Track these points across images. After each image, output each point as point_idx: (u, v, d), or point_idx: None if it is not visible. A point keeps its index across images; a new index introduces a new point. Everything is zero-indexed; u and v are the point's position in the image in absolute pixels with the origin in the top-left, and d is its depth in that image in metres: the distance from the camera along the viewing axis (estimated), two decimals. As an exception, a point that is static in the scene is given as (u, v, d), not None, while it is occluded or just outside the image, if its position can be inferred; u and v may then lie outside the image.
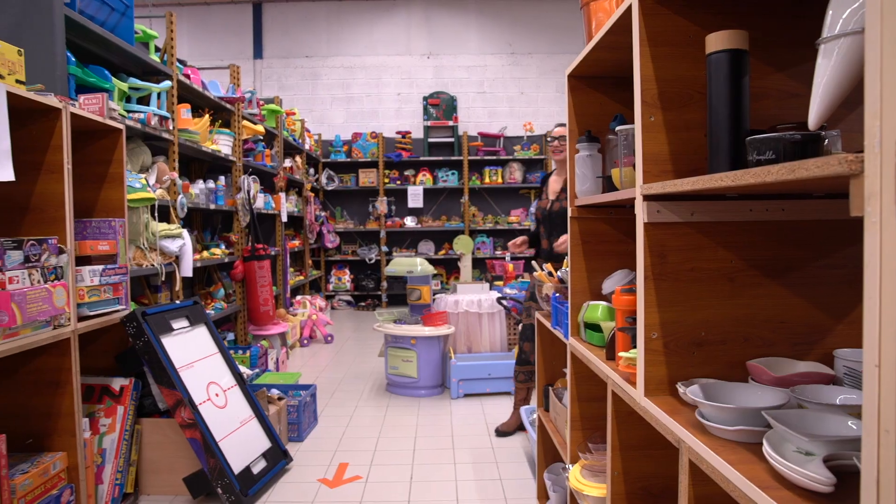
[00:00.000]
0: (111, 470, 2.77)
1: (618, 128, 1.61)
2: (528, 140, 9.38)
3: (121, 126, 2.89)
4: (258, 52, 10.03)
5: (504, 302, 4.84)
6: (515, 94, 9.80)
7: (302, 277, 7.75)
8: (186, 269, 3.94)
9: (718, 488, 1.01)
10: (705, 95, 1.18)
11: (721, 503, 1.09)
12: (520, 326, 4.73)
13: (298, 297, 7.17)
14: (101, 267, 2.63)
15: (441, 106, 9.42)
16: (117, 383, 2.86)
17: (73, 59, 3.06)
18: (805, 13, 1.31)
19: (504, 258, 8.67)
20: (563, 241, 3.17)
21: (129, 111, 3.51)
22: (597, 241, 1.97)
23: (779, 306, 1.33)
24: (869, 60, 0.64)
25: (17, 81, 2.20)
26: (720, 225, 1.30)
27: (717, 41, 1.08)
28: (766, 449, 0.90)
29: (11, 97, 2.09)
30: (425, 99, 9.46)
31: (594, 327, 1.82)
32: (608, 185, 1.79)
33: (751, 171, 0.85)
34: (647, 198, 1.30)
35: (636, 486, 1.53)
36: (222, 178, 5.17)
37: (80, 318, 2.54)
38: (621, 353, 1.47)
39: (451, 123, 9.36)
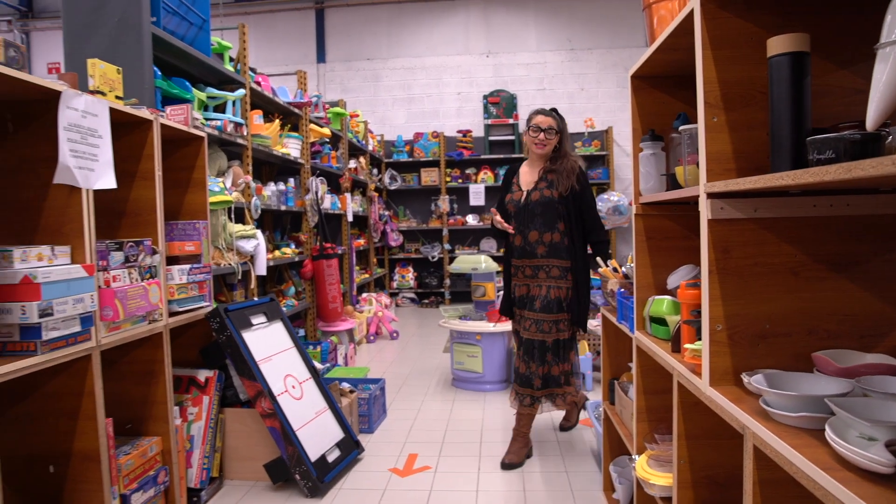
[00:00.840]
0: (199, 455, 2.96)
1: (681, 127, 1.66)
2: (589, 136, 9.33)
3: (203, 134, 3.08)
4: (321, 56, 10.30)
5: (567, 298, 4.87)
6: (575, 89, 9.75)
7: (367, 275, 7.95)
8: (261, 268, 4.13)
9: (781, 473, 1.06)
10: (767, 95, 1.22)
11: (784, 489, 1.13)
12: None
13: (364, 295, 7.36)
14: (188, 266, 2.82)
15: (501, 104, 9.47)
16: (202, 375, 3.05)
17: (159, 73, 3.27)
18: (867, 11, 1.33)
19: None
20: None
21: (207, 119, 3.72)
22: (661, 238, 2.01)
23: (844, 300, 1.35)
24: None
25: (117, 97, 2.40)
26: (783, 220, 1.34)
27: (778, 44, 1.13)
28: (829, 434, 0.95)
29: (111, 111, 2.28)
30: (485, 97, 9.53)
31: (659, 321, 1.87)
32: (672, 183, 1.84)
33: (809, 170, 0.90)
34: (710, 195, 1.35)
35: (701, 475, 1.58)
36: (291, 180, 5.38)
37: (171, 314, 2.73)
38: (686, 345, 1.52)
39: (511, 121, 9.40)
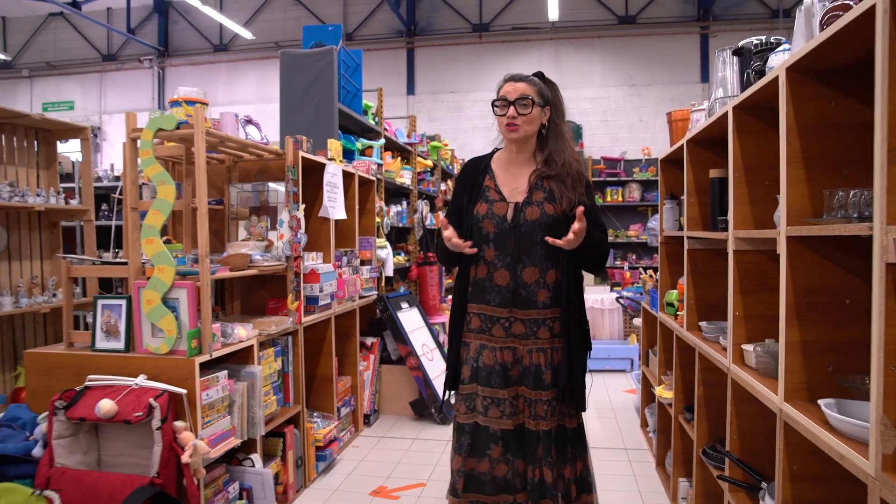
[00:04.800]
0: (369, 393, 4.45)
1: (682, 197, 3.02)
2: (646, 163, 10.55)
3: (374, 178, 4.58)
4: (411, 89, 11.89)
5: (621, 301, 6.20)
6: (635, 121, 11.02)
7: (451, 280, 9.42)
8: (389, 270, 5.59)
9: (711, 365, 2.41)
10: (715, 190, 2.58)
11: (712, 374, 2.48)
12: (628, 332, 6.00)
13: (450, 296, 8.82)
14: (368, 266, 4.33)
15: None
16: (369, 340, 4.55)
17: (341, 134, 4.80)
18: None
19: (622, 267, 9.93)
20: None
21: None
22: (675, 256, 3.37)
23: (756, 290, 2.69)
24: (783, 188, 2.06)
25: (340, 160, 3.92)
26: (722, 249, 2.68)
27: (714, 173, 2.49)
28: (720, 337, 2.31)
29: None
30: (554, 127, 10.87)
31: (671, 305, 3.23)
32: (680, 226, 3.20)
33: (712, 233, 2.27)
34: (688, 238, 2.72)
35: (688, 387, 2.93)
36: (403, 202, 6.89)
37: (360, 297, 4.23)
38: (678, 313, 2.89)
39: (577, 149, 10.70)
